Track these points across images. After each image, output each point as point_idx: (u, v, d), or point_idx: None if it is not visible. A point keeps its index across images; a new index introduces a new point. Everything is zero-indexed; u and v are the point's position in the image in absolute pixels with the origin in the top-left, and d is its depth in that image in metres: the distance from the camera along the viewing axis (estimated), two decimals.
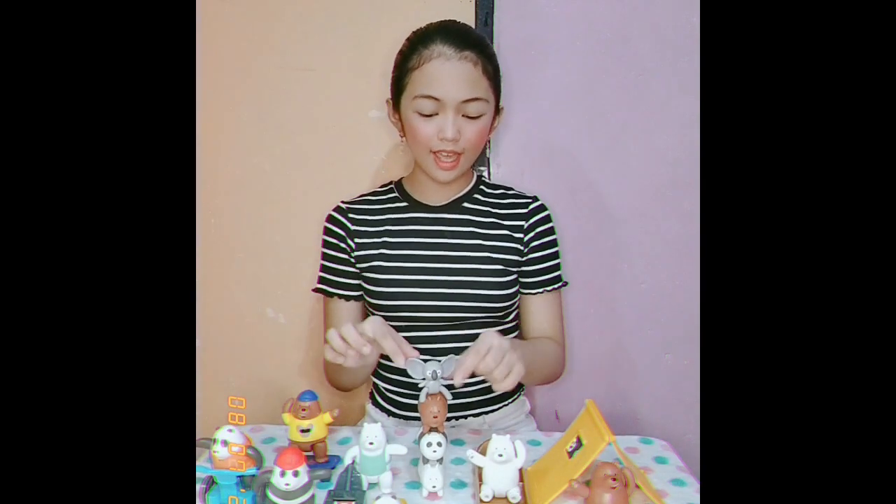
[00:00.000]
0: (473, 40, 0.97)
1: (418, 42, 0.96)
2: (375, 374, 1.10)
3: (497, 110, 1.03)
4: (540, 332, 1.08)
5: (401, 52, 1.00)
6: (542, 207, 1.07)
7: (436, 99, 0.94)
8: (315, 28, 1.18)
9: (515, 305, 1.08)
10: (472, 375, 0.80)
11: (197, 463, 0.71)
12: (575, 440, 0.77)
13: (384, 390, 1.09)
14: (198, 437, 0.73)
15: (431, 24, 0.99)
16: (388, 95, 1.03)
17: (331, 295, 1.07)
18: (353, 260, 1.05)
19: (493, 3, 1.15)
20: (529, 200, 1.07)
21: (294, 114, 1.21)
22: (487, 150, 1.20)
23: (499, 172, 1.21)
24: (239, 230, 1.25)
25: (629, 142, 1.21)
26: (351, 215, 1.06)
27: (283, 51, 1.19)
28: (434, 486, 0.75)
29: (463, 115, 0.95)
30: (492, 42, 1.16)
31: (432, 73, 0.94)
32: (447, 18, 1.01)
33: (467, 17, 1.15)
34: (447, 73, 0.93)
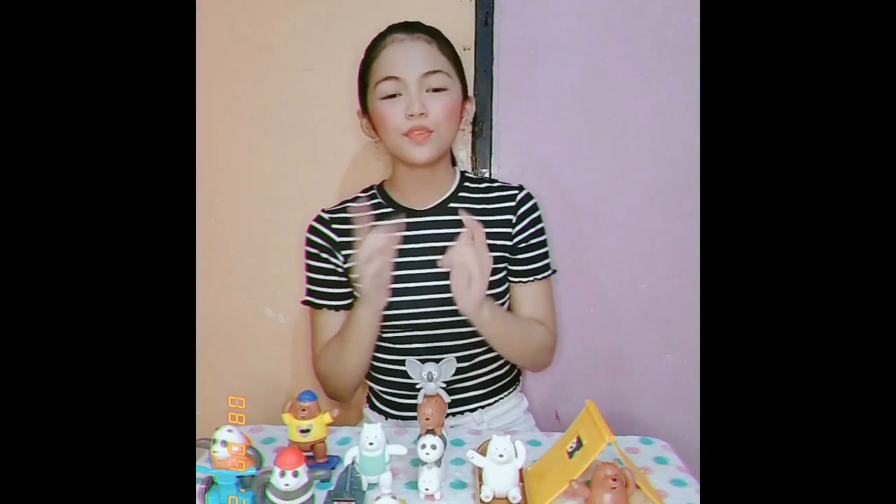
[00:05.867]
0: (426, 28, 1.00)
1: (375, 39, 1.01)
2: (370, 377, 1.10)
3: (465, 95, 1.03)
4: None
5: (362, 60, 1.02)
6: (530, 196, 1.07)
7: (396, 78, 0.95)
8: (314, 28, 1.18)
9: (508, 298, 1.07)
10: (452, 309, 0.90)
11: (196, 463, 0.71)
12: (575, 440, 0.77)
13: (380, 393, 1.09)
14: (197, 437, 0.73)
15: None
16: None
17: (319, 307, 1.06)
18: (341, 271, 1.04)
19: (493, 3, 1.15)
20: (516, 191, 1.07)
21: (293, 114, 1.21)
22: (489, 152, 1.20)
23: (499, 172, 1.21)
24: (239, 230, 1.25)
25: (629, 142, 1.21)
26: (335, 226, 1.05)
27: (282, 51, 1.19)
28: (428, 489, 0.75)
29: (426, 91, 0.96)
30: (492, 42, 1.16)
31: (389, 56, 0.97)
32: (447, 18, 1.02)
33: (467, 16, 1.15)
34: (403, 52, 0.97)
